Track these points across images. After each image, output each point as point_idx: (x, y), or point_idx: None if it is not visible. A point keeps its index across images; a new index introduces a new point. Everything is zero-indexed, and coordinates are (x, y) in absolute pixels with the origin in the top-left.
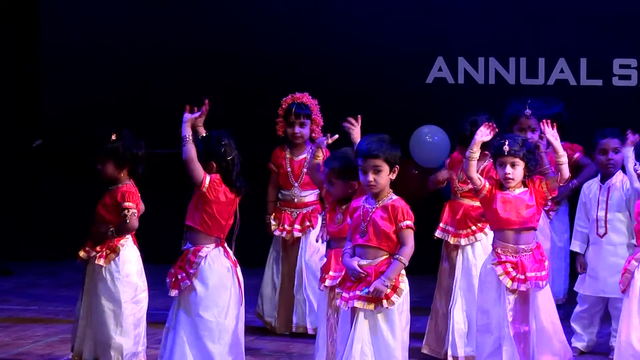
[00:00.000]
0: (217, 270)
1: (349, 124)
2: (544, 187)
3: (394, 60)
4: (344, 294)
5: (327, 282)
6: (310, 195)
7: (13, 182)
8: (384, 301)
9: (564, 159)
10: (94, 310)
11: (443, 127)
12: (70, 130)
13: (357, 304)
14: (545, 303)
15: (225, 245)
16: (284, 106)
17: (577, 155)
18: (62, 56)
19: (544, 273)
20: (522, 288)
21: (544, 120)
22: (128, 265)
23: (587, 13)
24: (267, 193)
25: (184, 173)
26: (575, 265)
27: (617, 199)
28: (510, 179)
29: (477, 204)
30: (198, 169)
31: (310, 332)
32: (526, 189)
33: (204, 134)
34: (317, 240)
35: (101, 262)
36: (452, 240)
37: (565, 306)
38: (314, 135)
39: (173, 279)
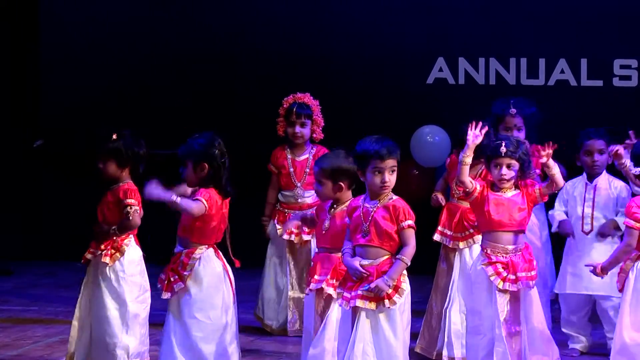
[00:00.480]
0: (211, 271)
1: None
2: (536, 192)
3: (395, 60)
4: (345, 294)
5: (312, 286)
6: (312, 196)
7: (13, 182)
8: (386, 301)
9: (555, 169)
10: (97, 310)
11: (444, 128)
12: (70, 130)
13: (359, 303)
14: (534, 303)
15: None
16: (285, 106)
17: None
18: (62, 56)
19: (533, 273)
20: (513, 288)
21: (548, 144)
22: (132, 265)
23: (587, 13)
24: (266, 194)
25: (183, 173)
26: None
27: (604, 197)
28: (505, 179)
29: None
30: (199, 206)
31: None
32: (518, 191)
33: (197, 135)
34: None
35: (107, 260)
36: (450, 244)
37: (556, 302)
38: (314, 135)
39: (166, 282)
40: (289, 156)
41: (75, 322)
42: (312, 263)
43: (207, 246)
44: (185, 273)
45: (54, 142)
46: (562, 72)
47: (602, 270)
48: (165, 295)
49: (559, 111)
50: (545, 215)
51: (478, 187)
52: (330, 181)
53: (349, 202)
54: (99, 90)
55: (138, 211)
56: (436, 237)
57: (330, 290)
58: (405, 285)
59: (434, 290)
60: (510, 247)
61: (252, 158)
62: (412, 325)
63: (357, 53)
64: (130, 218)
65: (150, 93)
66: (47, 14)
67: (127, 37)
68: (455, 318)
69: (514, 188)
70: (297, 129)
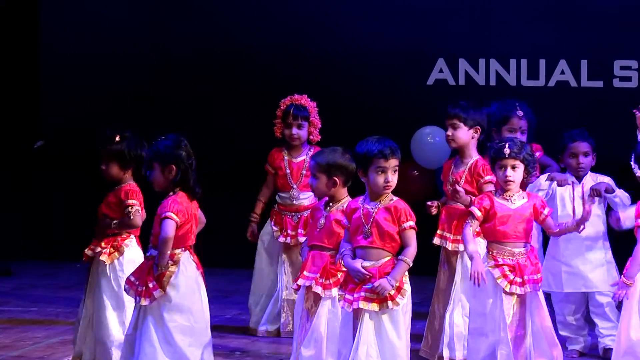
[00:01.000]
0: (190, 274)
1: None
2: (542, 215)
3: (395, 61)
4: (347, 296)
5: (300, 282)
6: (308, 198)
7: (13, 182)
8: (389, 302)
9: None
10: (96, 308)
11: (444, 128)
12: (70, 131)
13: (362, 305)
14: (540, 305)
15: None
16: (282, 107)
17: (537, 154)
18: (61, 57)
19: (539, 276)
20: (521, 291)
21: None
22: (132, 265)
23: (587, 14)
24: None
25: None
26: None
27: None
28: (510, 181)
29: None
30: (171, 227)
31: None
32: (527, 200)
33: (162, 137)
34: None
35: (104, 258)
36: (450, 247)
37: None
38: (311, 137)
39: (144, 288)
40: (286, 157)
41: (81, 322)
42: (301, 258)
43: (182, 249)
44: (164, 279)
45: (53, 142)
46: (563, 73)
47: (628, 279)
48: (145, 302)
49: (559, 112)
50: None
51: (480, 215)
52: (325, 175)
53: (345, 201)
54: (99, 90)
55: (139, 212)
56: (436, 240)
57: (318, 290)
58: (407, 286)
59: (435, 293)
60: (517, 250)
61: (249, 158)
62: (412, 327)
63: (357, 54)
64: (132, 218)
65: (150, 93)
66: (47, 14)
67: (127, 37)
68: (458, 320)
69: (522, 196)
70: (294, 130)
